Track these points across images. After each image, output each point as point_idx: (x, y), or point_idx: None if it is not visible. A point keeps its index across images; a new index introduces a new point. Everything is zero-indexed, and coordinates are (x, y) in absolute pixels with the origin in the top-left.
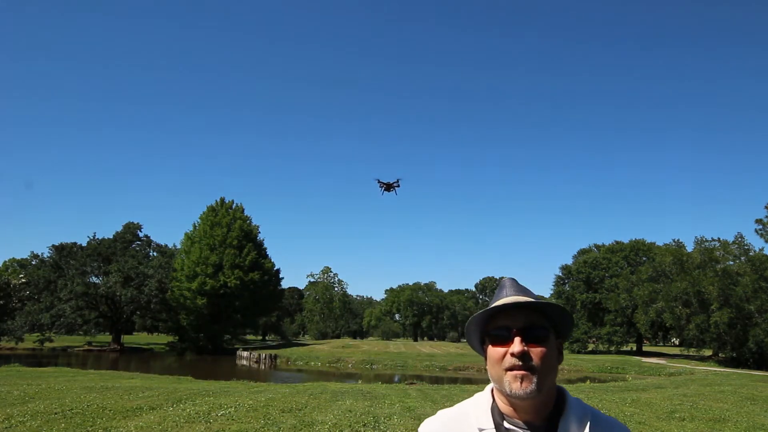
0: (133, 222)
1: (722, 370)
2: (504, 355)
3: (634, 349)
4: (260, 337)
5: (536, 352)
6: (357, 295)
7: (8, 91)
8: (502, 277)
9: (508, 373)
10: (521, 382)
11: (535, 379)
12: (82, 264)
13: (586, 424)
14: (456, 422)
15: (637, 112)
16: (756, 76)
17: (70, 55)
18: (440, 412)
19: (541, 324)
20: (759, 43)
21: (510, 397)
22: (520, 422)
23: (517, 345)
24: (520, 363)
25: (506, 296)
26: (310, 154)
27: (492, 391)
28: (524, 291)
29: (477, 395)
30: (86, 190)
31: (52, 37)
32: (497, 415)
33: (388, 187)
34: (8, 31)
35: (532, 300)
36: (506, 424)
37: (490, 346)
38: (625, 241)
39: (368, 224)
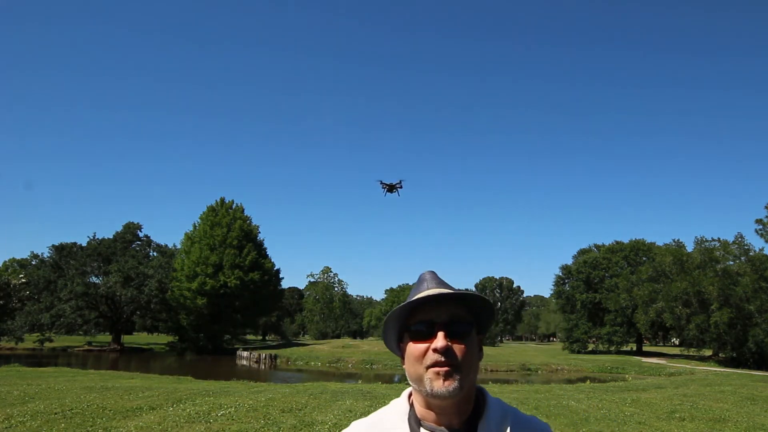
0: (133, 222)
1: (722, 370)
2: (425, 352)
3: (634, 349)
4: (260, 337)
5: (459, 348)
6: (357, 295)
7: (9, 91)
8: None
9: (430, 370)
10: (444, 380)
11: (458, 377)
12: (82, 264)
13: (507, 426)
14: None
15: (637, 114)
16: (756, 78)
17: (72, 58)
18: (354, 424)
19: (464, 318)
20: (759, 46)
21: (430, 398)
22: (438, 426)
23: (440, 340)
24: (443, 359)
25: (428, 289)
26: (310, 154)
27: (409, 396)
28: (445, 285)
29: (393, 402)
30: (86, 190)
31: (55, 41)
32: (413, 422)
33: (391, 188)
34: (9, 34)
35: (458, 291)
36: (423, 430)
37: (410, 343)
38: (625, 241)
39: (368, 224)
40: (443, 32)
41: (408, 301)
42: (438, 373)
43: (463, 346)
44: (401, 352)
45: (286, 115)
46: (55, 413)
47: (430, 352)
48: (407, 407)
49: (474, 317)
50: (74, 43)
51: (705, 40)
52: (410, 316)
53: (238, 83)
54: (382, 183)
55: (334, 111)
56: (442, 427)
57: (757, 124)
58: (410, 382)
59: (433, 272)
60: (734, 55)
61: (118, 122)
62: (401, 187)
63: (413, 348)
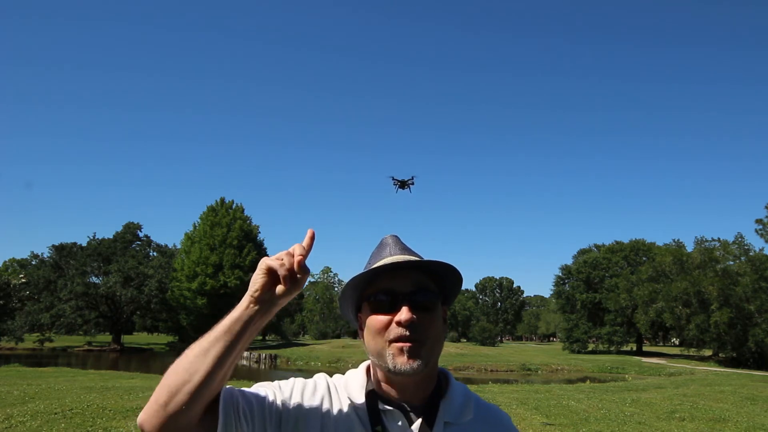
0: (133, 222)
1: (722, 370)
2: (387, 325)
3: (634, 349)
4: (260, 337)
5: (424, 321)
6: None
7: (9, 91)
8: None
9: (393, 345)
10: (407, 357)
11: (422, 353)
12: (82, 264)
13: (471, 408)
14: (335, 389)
15: (637, 113)
16: (756, 77)
17: (72, 57)
18: (318, 376)
19: (429, 288)
20: (760, 41)
21: (392, 374)
22: (398, 402)
23: (404, 313)
24: (408, 333)
25: (390, 255)
26: (311, 153)
27: (366, 369)
28: (410, 251)
29: (349, 372)
30: (86, 190)
31: (55, 41)
32: (372, 396)
33: (403, 184)
34: (9, 35)
35: (424, 259)
36: (381, 405)
37: (371, 315)
38: (625, 241)
39: (368, 224)
40: (443, 28)
41: (368, 268)
42: (401, 349)
43: (428, 318)
44: (359, 323)
45: (287, 114)
46: (55, 413)
47: (393, 325)
48: (365, 380)
49: (439, 287)
50: (73, 42)
51: (705, 36)
52: (370, 285)
53: (239, 81)
54: (393, 179)
55: (335, 110)
56: (402, 403)
57: (757, 123)
58: (369, 356)
59: (395, 236)
60: (734, 51)
61: (117, 122)
62: (413, 184)
63: (374, 320)
